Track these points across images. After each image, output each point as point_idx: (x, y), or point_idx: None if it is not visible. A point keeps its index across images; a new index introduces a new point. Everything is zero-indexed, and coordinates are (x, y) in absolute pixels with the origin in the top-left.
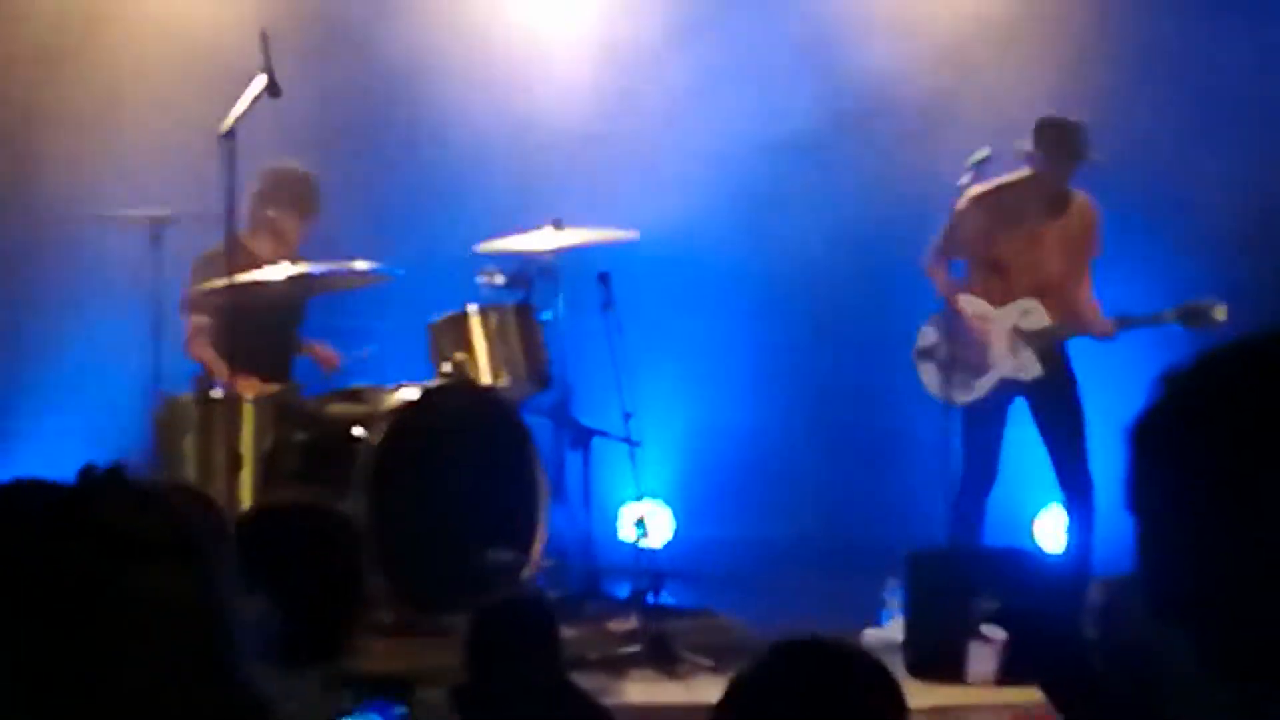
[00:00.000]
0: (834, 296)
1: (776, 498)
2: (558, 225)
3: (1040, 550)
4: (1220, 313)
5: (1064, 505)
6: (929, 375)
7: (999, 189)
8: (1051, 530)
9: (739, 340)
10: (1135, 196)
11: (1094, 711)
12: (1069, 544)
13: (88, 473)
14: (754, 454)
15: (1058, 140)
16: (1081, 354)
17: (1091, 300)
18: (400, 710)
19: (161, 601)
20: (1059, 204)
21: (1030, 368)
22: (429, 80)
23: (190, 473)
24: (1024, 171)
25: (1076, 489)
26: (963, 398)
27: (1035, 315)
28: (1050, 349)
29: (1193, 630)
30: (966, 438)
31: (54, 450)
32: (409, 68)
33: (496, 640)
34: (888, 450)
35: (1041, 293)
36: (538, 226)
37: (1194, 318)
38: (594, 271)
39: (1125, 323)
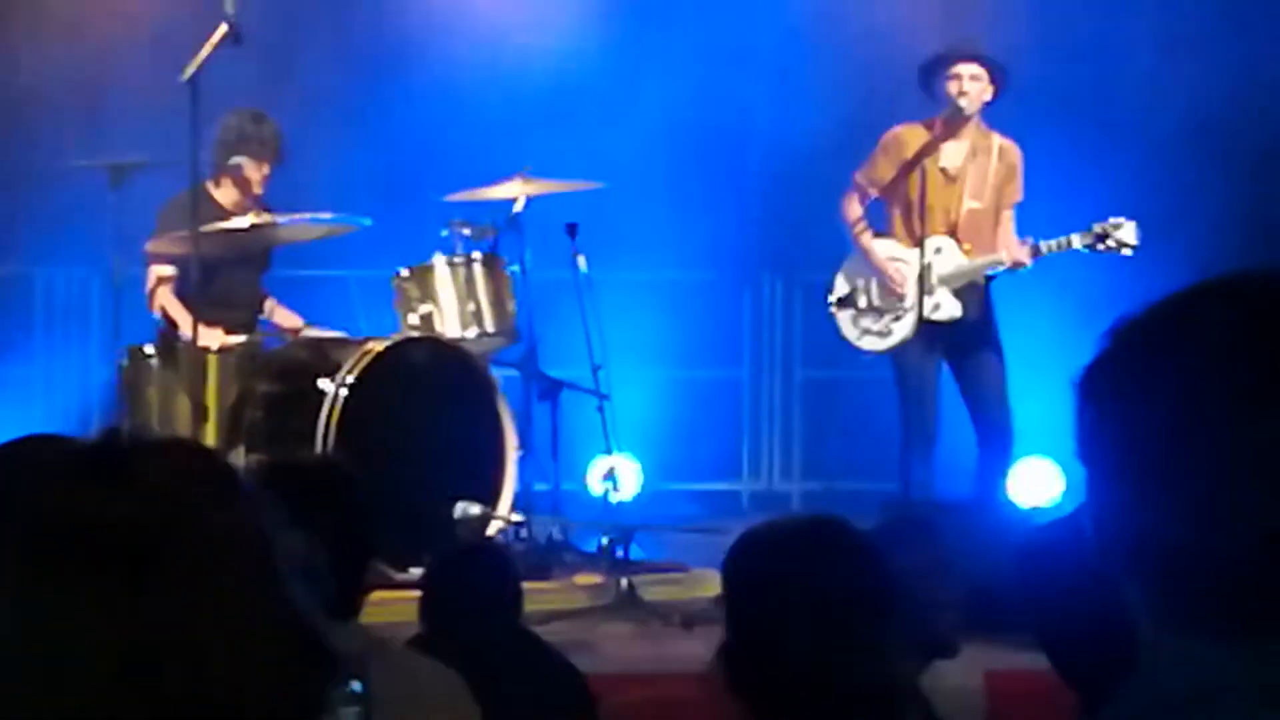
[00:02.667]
0: (806, 246)
1: (746, 450)
2: (525, 176)
3: (1009, 503)
4: (1129, 233)
5: (980, 450)
6: (845, 325)
7: (919, 127)
8: (1025, 484)
9: (709, 292)
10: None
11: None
12: (983, 489)
13: (114, 429)
14: (723, 407)
15: (986, 60)
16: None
17: (1011, 238)
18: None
19: (219, 543)
20: (979, 144)
21: (946, 305)
22: (398, 30)
23: (154, 424)
24: (947, 111)
25: (996, 435)
26: (879, 345)
27: (948, 253)
28: (969, 289)
29: (1141, 580)
30: (900, 390)
31: (17, 400)
32: (378, 17)
33: (454, 590)
34: (858, 403)
35: (956, 232)
36: (505, 177)
37: (1102, 240)
38: (562, 222)
39: (1036, 250)
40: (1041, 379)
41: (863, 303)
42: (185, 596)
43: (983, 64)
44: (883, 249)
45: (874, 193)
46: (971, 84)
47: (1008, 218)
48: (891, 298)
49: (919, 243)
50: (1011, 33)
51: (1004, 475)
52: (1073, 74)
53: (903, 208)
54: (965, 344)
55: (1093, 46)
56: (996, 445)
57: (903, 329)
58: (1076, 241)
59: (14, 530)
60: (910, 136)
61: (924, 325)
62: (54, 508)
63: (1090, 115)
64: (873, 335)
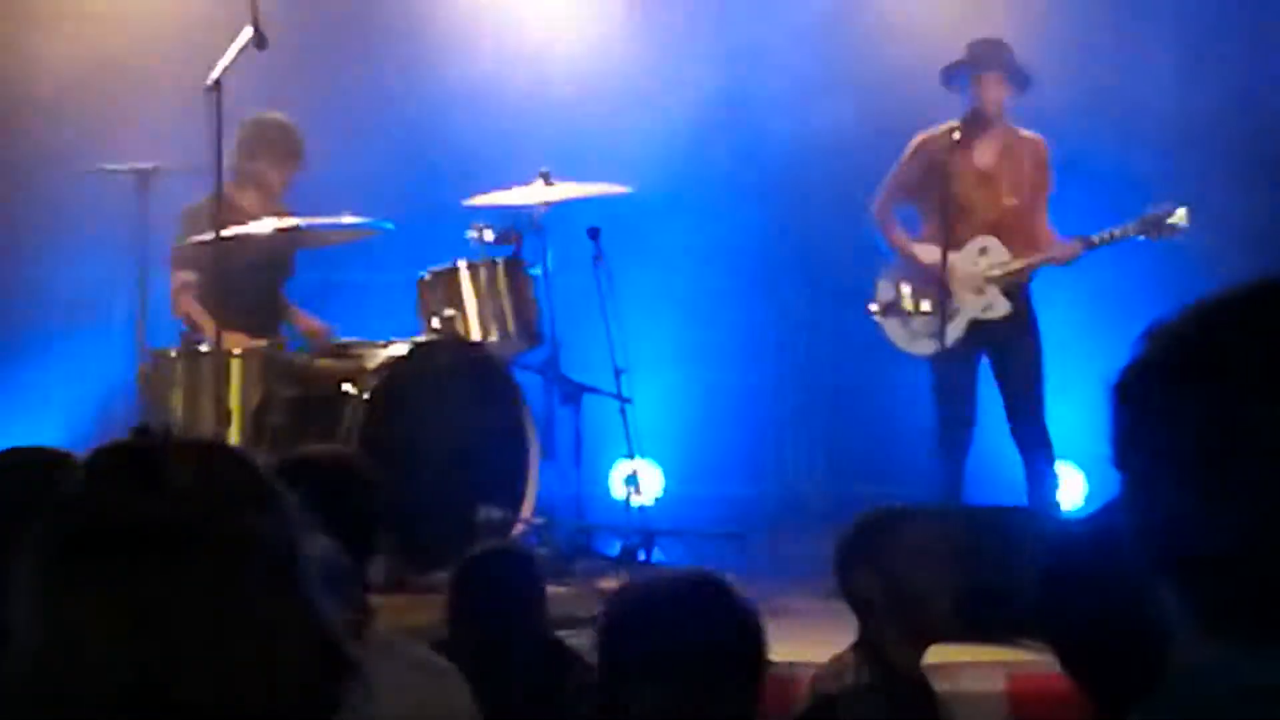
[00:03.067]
0: (828, 252)
1: (768, 455)
2: (547, 179)
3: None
4: (1180, 216)
5: (1022, 457)
6: (893, 330)
7: (945, 129)
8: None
9: (732, 297)
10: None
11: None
12: (1033, 497)
13: (144, 430)
14: (746, 411)
15: (1002, 61)
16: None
17: (1049, 231)
18: None
19: (254, 547)
20: (1009, 141)
21: (997, 305)
22: (421, 33)
23: (177, 428)
24: (969, 113)
25: (1034, 439)
26: (930, 348)
27: (994, 252)
28: (1015, 286)
29: (1178, 586)
30: (938, 389)
31: (42, 405)
32: (400, 20)
33: (479, 593)
34: (881, 407)
35: (997, 230)
36: (527, 181)
37: (1155, 227)
38: (584, 226)
39: (1087, 243)
40: (1060, 383)
41: (910, 307)
42: (212, 597)
43: (1005, 71)
44: (928, 255)
45: (903, 197)
46: (995, 88)
47: (1043, 208)
48: (940, 300)
49: (958, 244)
50: (1029, 31)
51: (1047, 476)
52: (1093, 73)
53: (938, 211)
54: (1007, 342)
55: (1112, 46)
56: (1032, 446)
57: (955, 330)
58: (1132, 230)
59: (42, 528)
60: (937, 139)
61: (976, 324)
62: (84, 506)
63: (1111, 113)
64: (924, 339)
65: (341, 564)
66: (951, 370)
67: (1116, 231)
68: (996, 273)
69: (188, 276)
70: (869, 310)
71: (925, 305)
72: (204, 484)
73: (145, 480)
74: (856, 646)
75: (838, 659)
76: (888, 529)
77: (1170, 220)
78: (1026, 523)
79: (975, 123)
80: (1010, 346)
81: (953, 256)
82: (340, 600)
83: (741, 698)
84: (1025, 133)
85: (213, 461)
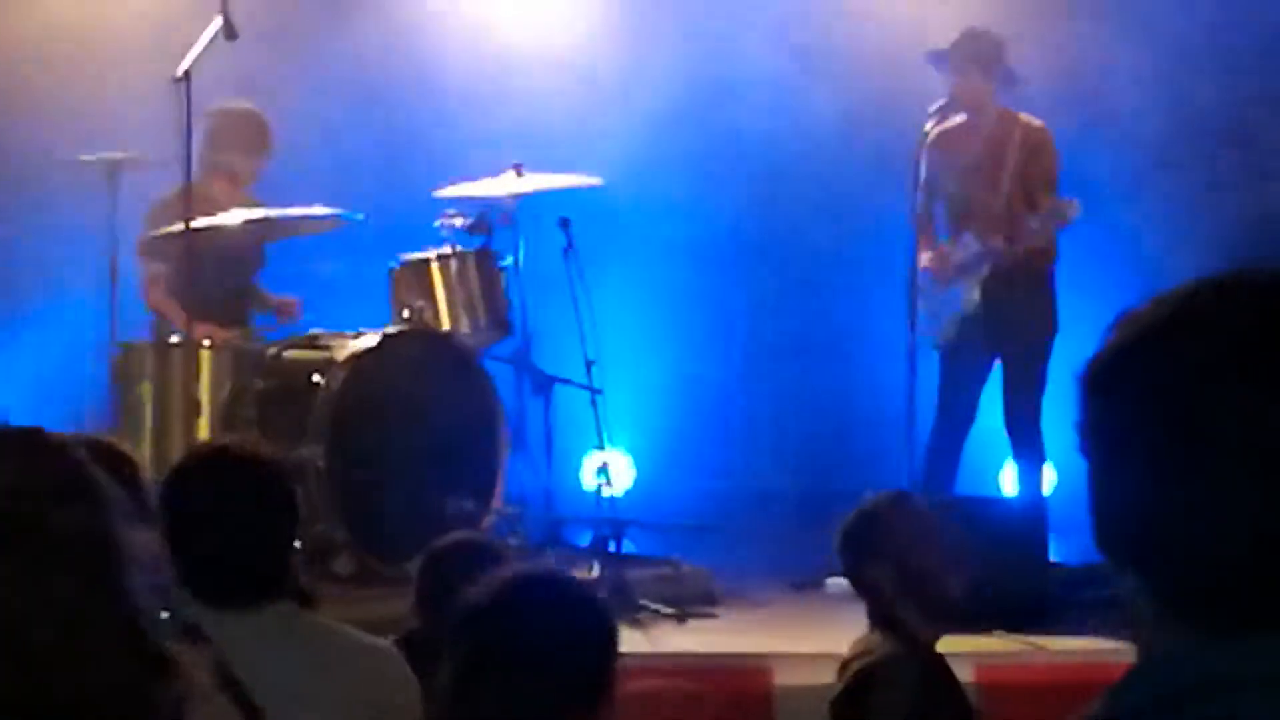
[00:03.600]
0: (800, 244)
1: (740, 446)
2: (519, 170)
3: (1006, 498)
4: (1073, 206)
5: (1012, 451)
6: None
7: (945, 128)
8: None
9: (703, 288)
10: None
11: None
12: (1022, 490)
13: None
14: (717, 402)
15: (973, 53)
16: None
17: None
18: None
19: (55, 540)
20: (998, 131)
21: (968, 300)
22: (391, 23)
23: (147, 420)
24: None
25: (1023, 434)
26: (930, 339)
27: (969, 245)
28: (1005, 278)
29: (1140, 573)
30: (943, 382)
31: (11, 397)
32: (371, 10)
33: (446, 584)
34: (853, 399)
35: (993, 223)
36: (499, 172)
37: (1052, 217)
38: (555, 217)
39: (1027, 239)
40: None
41: (921, 301)
42: (14, 589)
43: (981, 63)
44: (929, 248)
45: (926, 199)
46: (971, 79)
47: (1042, 199)
48: (935, 293)
49: (957, 238)
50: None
51: (1035, 472)
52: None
53: (940, 202)
54: (1012, 336)
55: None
56: (1021, 441)
57: (948, 324)
58: (1034, 223)
59: None
60: (937, 137)
61: (964, 319)
62: None
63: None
64: (926, 329)
65: (162, 560)
66: (950, 365)
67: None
68: (966, 262)
69: (158, 269)
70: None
71: (921, 299)
72: (11, 476)
73: None
74: (875, 628)
75: (863, 640)
76: (891, 515)
77: (1064, 210)
78: (998, 515)
79: (958, 113)
80: (1016, 342)
81: (953, 252)
82: (160, 596)
83: (591, 698)
84: (1023, 119)
85: (24, 454)
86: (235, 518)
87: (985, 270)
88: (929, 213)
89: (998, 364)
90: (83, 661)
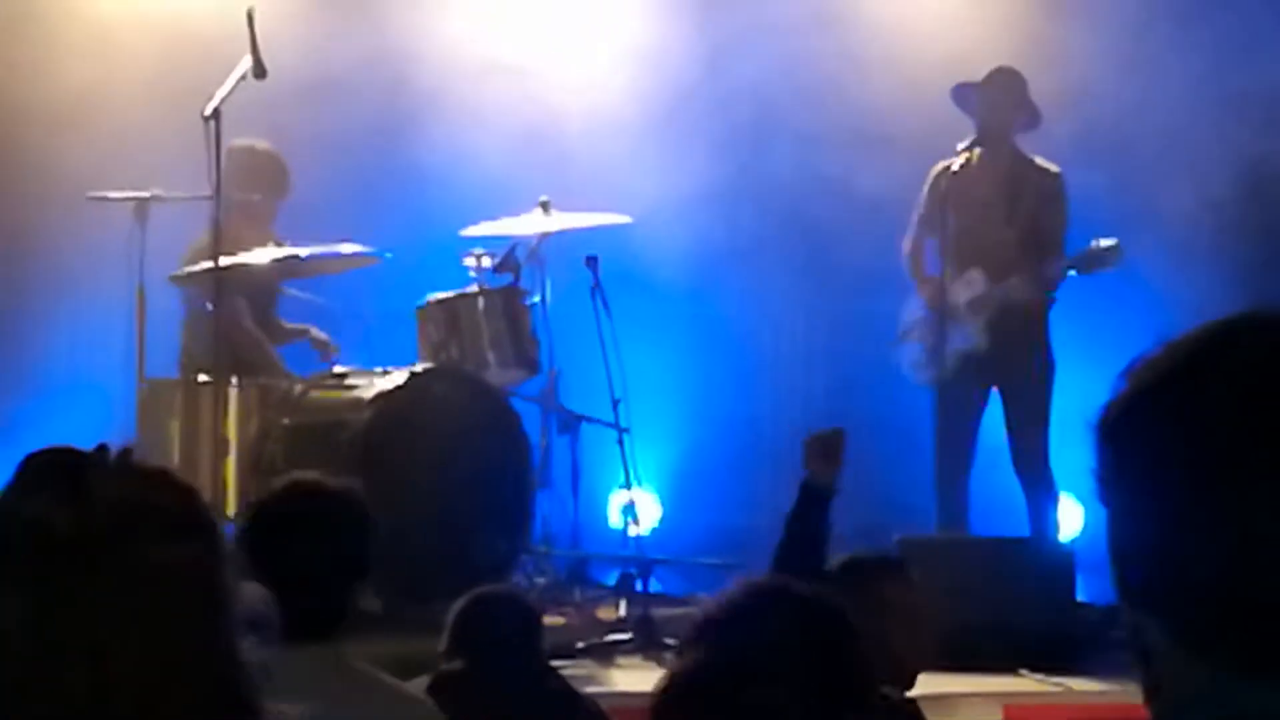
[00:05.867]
0: (827, 282)
1: (766, 484)
2: (546, 209)
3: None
4: (1112, 247)
5: (1024, 491)
6: (903, 360)
7: (962, 163)
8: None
9: (729, 326)
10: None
11: None
12: (1034, 530)
13: (103, 448)
14: (744, 441)
15: (998, 84)
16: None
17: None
18: None
19: (168, 573)
20: (1016, 171)
21: (976, 338)
22: (419, 61)
23: (175, 457)
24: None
25: (1034, 475)
26: (925, 378)
27: (975, 284)
28: (1012, 318)
29: (1164, 617)
30: (939, 419)
31: (38, 433)
32: (399, 49)
33: (479, 630)
34: (880, 438)
35: (993, 260)
36: (526, 210)
37: (1086, 262)
38: (582, 255)
39: (1043, 280)
40: (1054, 413)
41: (915, 337)
42: (108, 614)
43: (1009, 99)
44: (926, 286)
45: (926, 232)
46: (998, 115)
47: (1055, 246)
48: (933, 332)
49: (961, 275)
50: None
51: (1045, 511)
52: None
53: (949, 242)
54: (1012, 375)
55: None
56: (1033, 482)
57: (949, 362)
58: (1068, 265)
59: None
60: (946, 171)
61: (966, 356)
62: (6, 507)
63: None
64: (923, 368)
65: (268, 614)
66: (946, 403)
67: (1065, 265)
68: (972, 302)
69: (241, 302)
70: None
71: (916, 335)
72: (125, 503)
73: (67, 490)
74: None
75: None
76: (863, 581)
77: (1103, 250)
78: (1026, 555)
79: (980, 150)
80: (1016, 380)
81: (953, 288)
82: (258, 646)
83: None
84: (1039, 162)
85: (143, 484)
86: (316, 554)
87: (995, 309)
88: (920, 247)
89: (997, 403)
90: (155, 699)
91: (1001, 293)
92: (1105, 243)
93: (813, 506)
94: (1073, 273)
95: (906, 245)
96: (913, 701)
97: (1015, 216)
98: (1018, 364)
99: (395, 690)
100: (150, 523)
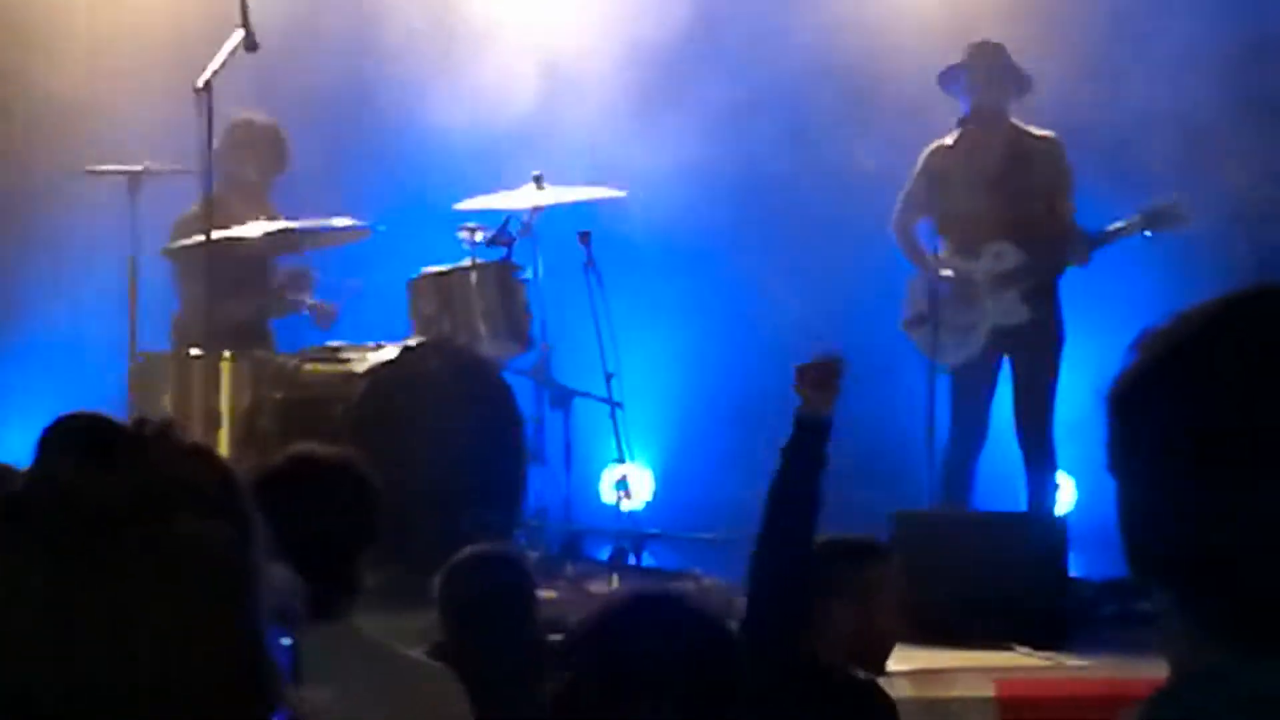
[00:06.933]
0: (822, 257)
1: (760, 459)
2: (539, 183)
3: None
4: (1181, 206)
5: (1024, 461)
6: (922, 343)
7: (956, 142)
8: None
9: (723, 300)
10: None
11: None
12: (1032, 502)
13: (142, 421)
14: (737, 415)
15: (984, 61)
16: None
17: (1072, 230)
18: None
19: (199, 550)
20: (1016, 144)
21: (1016, 311)
22: (412, 33)
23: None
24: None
25: (1037, 445)
26: (956, 358)
27: (1008, 256)
28: (1034, 290)
29: (1175, 592)
30: (957, 396)
31: (30, 406)
32: (392, 19)
33: (469, 594)
34: (877, 412)
35: (1013, 234)
36: (519, 185)
37: (1157, 219)
38: (575, 230)
39: (1094, 242)
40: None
41: (934, 318)
42: (136, 584)
43: (998, 73)
44: (948, 268)
45: (916, 213)
46: (990, 91)
47: (1066, 211)
48: (965, 312)
49: (974, 253)
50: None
51: (1044, 484)
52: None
53: (952, 220)
54: (1027, 347)
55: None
56: (1034, 452)
57: (978, 340)
58: (1137, 224)
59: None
60: (941, 150)
61: (1001, 331)
62: (36, 473)
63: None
64: (950, 348)
65: (295, 603)
66: (971, 382)
67: (1120, 226)
68: (1009, 273)
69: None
70: (902, 326)
71: (948, 315)
72: (157, 476)
73: (95, 458)
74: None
75: None
76: (840, 564)
77: (1173, 210)
78: (1019, 530)
79: (976, 127)
80: (1030, 352)
81: (971, 266)
82: (285, 633)
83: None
84: (1037, 132)
85: (178, 459)
86: (322, 523)
87: (1029, 281)
88: (910, 226)
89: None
90: (179, 675)
91: (1036, 263)
92: (1168, 202)
93: (808, 436)
94: (1146, 233)
95: (896, 224)
96: (875, 683)
97: (1022, 188)
98: (1025, 337)
99: (411, 660)
100: (180, 498)
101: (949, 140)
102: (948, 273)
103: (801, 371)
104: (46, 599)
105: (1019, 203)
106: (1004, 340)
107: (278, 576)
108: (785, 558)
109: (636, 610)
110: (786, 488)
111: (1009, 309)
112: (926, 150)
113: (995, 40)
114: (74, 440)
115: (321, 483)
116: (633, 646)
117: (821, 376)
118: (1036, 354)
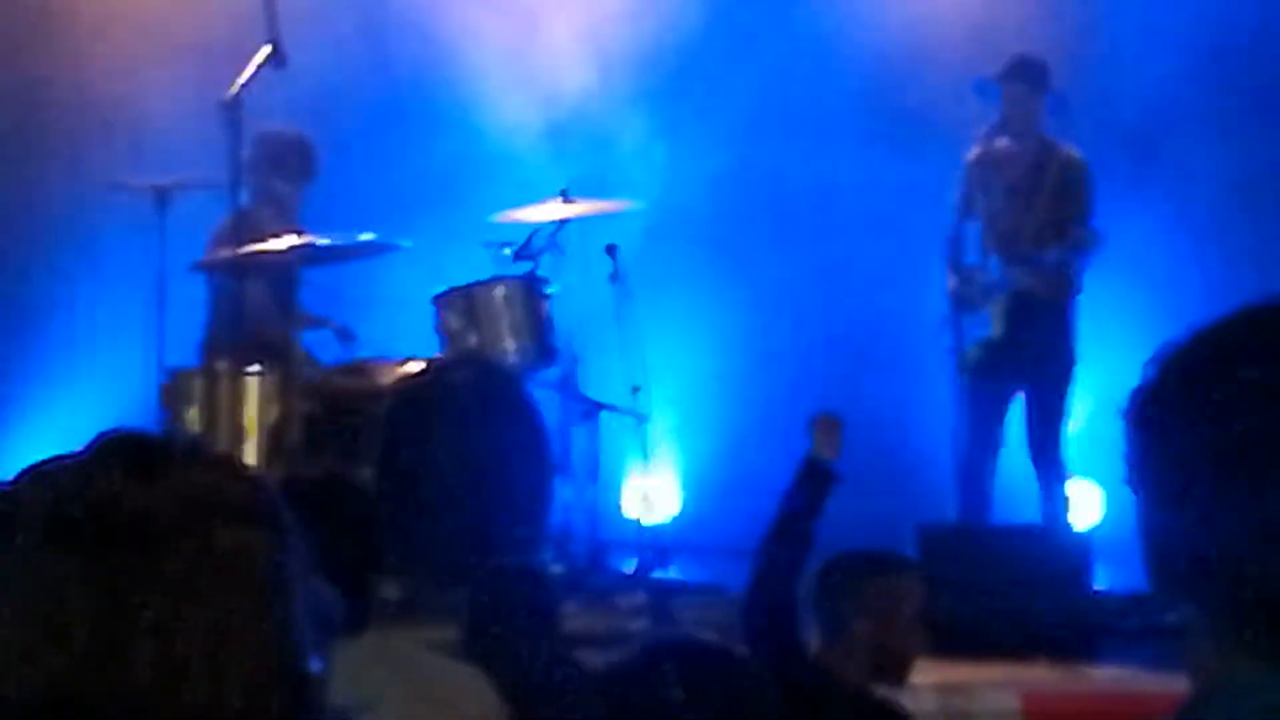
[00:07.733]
0: (845, 269)
1: (784, 472)
2: (565, 197)
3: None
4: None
5: (1036, 473)
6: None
7: (990, 149)
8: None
9: (749, 312)
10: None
11: None
12: (1046, 514)
13: (172, 435)
14: (764, 428)
15: (1024, 78)
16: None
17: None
18: None
19: (241, 560)
20: (1041, 155)
21: (993, 324)
22: (438, 49)
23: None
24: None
25: (1047, 457)
26: (962, 362)
27: (1007, 270)
28: (1036, 306)
29: (1202, 605)
30: (969, 407)
31: (60, 421)
32: (419, 36)
33: (492, 611)
34: (899, 424)
35: (1020, 249)
36: (545, 198)
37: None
38: (601, 243)
39: (1054, 270)
40: (1080, 401)
41: (949, 324)
42: (171, 597)
43: (1030, 85)
44: (955, 274)
45: (961, 217)
46: (1019, 102)
47: (1073, 231)
48: (966, 316)
49: (987, 260)
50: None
51: (1055, 499)
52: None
53: (973, 224)
54: (1035, 359)
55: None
56: (1045, 464)
57: (975, 350)
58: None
59: (35, 501)
60: (976, 158)
61: (988, 345)
62: (71, 485)
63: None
64: (954, 354)
65: (332, 617)
66: (978, 393)
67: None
68: (989, 288)
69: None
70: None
71: (959, 322)
72: (194, 488)
73: (137, 471)
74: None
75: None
76: (856, 579)
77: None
78: (1043, 543)
79: (1004, 136)
80: (1036, 373)
81: (976, 273)
82: (321, 647)
83: None
84: (1064, 149)
85: (212, 471)
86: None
87: (1004, 296)
88: (959, 235)
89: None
90: (217, 688)
91: (1007, 280)
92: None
93: (810, 481)
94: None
95: (950, 231)
96: (897, 703)
97: (1037, 203)
98: (1039, 360)
99: (449, 667)
100: (217, 509)
101: (981, 148)
102: (970, 276)
103: (813, 423)
104: (96, 611)
105: (1027, 217)
106: (1006, 352)
107: (316, 587)
108: (780, 595)
109: (662, 658)
110: (782, 530)
111: (987, 322)
112: (968, 156)
113: (1032, 56)
114: (111, 453)
115: (312, 505)
116: (656, 694)
117: (828, 431)
118: (1044, 378)
